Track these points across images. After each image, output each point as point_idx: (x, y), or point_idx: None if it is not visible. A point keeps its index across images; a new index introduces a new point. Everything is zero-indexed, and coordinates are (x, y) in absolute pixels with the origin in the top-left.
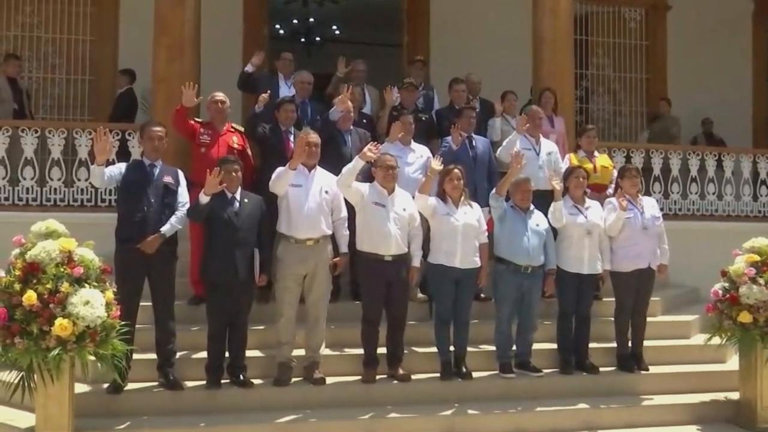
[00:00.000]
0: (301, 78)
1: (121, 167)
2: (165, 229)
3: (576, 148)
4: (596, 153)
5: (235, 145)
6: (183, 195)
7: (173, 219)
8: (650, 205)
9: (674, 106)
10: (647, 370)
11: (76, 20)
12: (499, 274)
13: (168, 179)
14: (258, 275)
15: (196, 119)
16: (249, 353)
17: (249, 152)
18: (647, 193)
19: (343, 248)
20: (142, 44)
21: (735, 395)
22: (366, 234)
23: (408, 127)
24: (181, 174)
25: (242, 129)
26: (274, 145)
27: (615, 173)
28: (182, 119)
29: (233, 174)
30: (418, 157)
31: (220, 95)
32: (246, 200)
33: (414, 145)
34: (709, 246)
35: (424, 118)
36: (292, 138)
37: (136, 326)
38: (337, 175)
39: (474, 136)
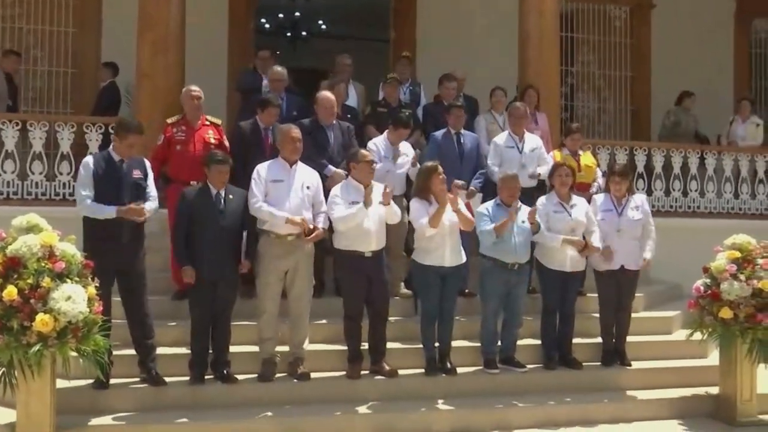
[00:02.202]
0: (274, 76)
1: (88, 165)
2: (149, 208)
3: (560, 145)
4: (580, 151)
5: (212, 140)
6: (152, 188)
7: (148, 205)
8: (633, 206)
9: (657, 103)
10: (630, 365)
11: (58, 11)
12: (486, 271)
13: (137, 173)
14: (242, 262)
15: (167, 120)
16: (233, 349)
17: (226, 144)
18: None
19: (320, 223)
20: (126, 36)
21: (715, 390)
22: (344, 232)
23: (402, 136)
24: (147, 164)
25: (218, 121)
26: (252, 141)
27: (599, 171)
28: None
29: (224, 173)
30: (404, 155)
31: (195, 89)
32: (231, 196)
33: (401, 144)
34: (691, 243)
35: (407, 113)
36: (270, 135)
37: (116, 322)
38: (317, 170)
39: (463, 132)
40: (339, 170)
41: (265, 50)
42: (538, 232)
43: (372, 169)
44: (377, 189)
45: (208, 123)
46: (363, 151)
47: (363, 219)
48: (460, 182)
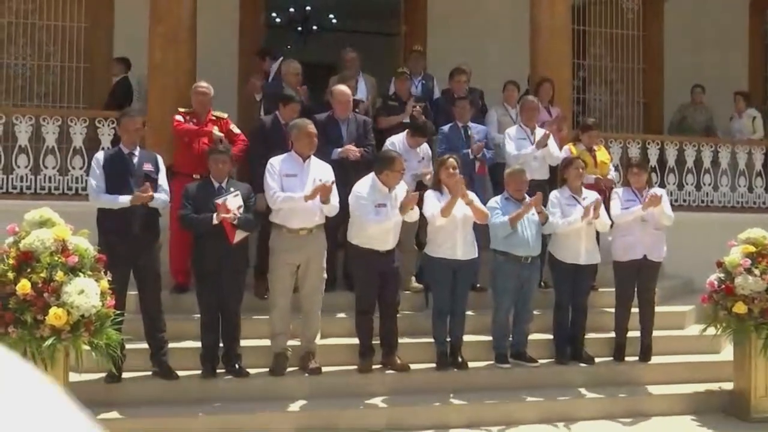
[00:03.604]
0: (290, 69)
1: (98, 160)
2: (157, 197)
3: (575, 139)
4: (595, 147)
5: (216, 134)
6: (163, 182)
7: (160, 196)
8: None
9: (669, 96)
10: (649, 360)
11: (70, 7)
12: (498, 267)
13: (148, 167)
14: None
15: (180, 109)
16: (245, 343)
17: (234, 130)
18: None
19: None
20: (138, 31)
21: (729, 386)
22: (364, 231)
23: (420, 143)
24: (160, 159)
25: (224, 115)
26: (272, 137)
27: (612, 167)
28: (189, 135)
29: (220, 165)
30: (421, 157)
31: (203, 85)
32: (232, 190)
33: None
34: (705, 237)
35: (419, 107)
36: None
37: (128, 316)
38: (326, 160)
39: (471, 124)
40: (347, 147)
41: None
42: (547, 223)
43: (401, 176)
44: (401, 188)
45: (213, 118)
46: (400, 159)
47: None
48: (476, 137)
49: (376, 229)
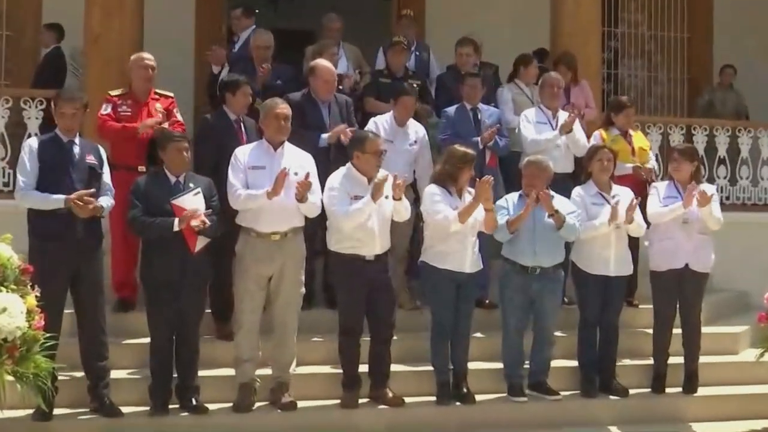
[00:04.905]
0: (259, 42)
1: (32, 148)
2: (105, 204)
3: (606, 123)
4: (630, 131)
5: (160, 114)
6: (108, 180)
7: (106, 200)
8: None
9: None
10: (694, 392)
11: None
12: (503, 276)
13: (91, 159)
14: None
15: (109, 93)
16: (204, 372)
17: (177, 117)
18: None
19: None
20: None
21: None
22: (344, 233)
23: (410, 110)
24: (102, 151)
25: (170, 94)
26: (223, 138)
27: (652, 156)
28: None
29: (184, 154)
30: (413, 141)
31: (148, 57)
32: (191, 185)
33: (409, 122)
34: (762, 242)
35: (415, 85)
36: (244, 129)
37: (62, 339)
38: (311, 150)
39: (481, 107)
40: (338, 128)
41: (237, 9)
42: (563, 227)
43: (380, 160)
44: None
45: (156, 96)
46: (374, 138)
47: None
48: (488, 121)
49: (350, 224)
